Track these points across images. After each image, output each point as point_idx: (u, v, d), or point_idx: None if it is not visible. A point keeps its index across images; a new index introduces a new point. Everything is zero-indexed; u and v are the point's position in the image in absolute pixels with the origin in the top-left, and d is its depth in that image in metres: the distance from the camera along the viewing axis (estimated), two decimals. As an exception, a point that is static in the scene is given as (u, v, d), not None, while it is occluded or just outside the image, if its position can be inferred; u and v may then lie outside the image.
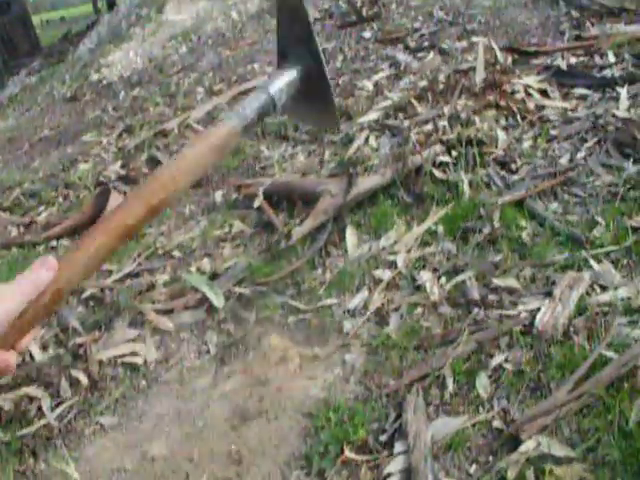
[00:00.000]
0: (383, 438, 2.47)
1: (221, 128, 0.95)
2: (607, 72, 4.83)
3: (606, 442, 2.16)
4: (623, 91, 4.38)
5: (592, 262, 2.95)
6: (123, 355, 3.31)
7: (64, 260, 0.85)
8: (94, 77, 10.08)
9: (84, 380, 3.19)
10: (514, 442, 2.27)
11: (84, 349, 3.35)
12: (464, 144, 4.00)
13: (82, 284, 4.00)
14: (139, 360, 3.28)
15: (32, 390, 3.19)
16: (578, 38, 5.66)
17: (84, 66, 11.01)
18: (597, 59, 5.12)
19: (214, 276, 3.70)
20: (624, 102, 4.26)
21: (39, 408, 3.09)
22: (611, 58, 5.02)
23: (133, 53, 10.60)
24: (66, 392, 3.16)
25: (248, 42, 9.09)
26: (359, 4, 8.56)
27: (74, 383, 3.19)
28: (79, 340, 3.44)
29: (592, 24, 5.90)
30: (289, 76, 1.05)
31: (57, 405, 3.10)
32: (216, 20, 10.84)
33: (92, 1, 35.85)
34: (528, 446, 2.22)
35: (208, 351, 3.23)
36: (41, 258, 0.84)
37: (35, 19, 27.50)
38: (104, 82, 9.72)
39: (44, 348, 3.51)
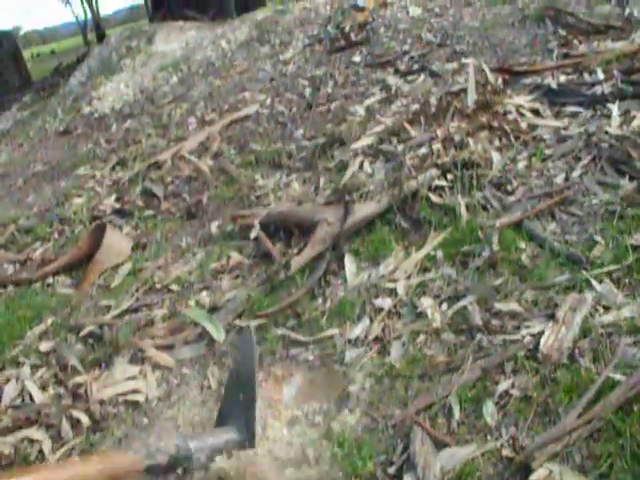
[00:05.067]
0: (391, 470, 2.43)
1: (125, 458, 0.90)
2: (597, 89, 4.85)
3: (619, 468, 2.13)
4: (614, 108, 4.40)
5: (594, 282, 2.93)
6: (124, 393, 3.26)
7: None
8: (86, 110, 10.10)
9: (85, 420, 3.13)
10: (525, 470, 2.23)
11: (84, 388, 3.31)
12: (459, 167, 4.00)
13: (80, 321, 3.97)
14: (140, 398, 3.23)
15: (32, 432, 3.14)
16: (566, 56, 5.71)
17: (75, 99, 11.02)
18: (586, 76, 5.15)
19: (213, 309, 3.67)
20: (616, 119, 4.28)
21: (40, 451, 3.04)
22: (600, 75, 5.05)
23: (124, 85, 10.63)
24: (67, 433, 3.10)
25: (238, 71, 9.14)
26: (348, 29, 8.63)
27: (75, 424, 3.14)
28: (79, 379, 3.40)
29: (580, 42, 5.95)
30: (218, 440, 1.01)
31: (59, 447, 3.04)
32: (206, 49, 10.90)
33: (82, 33, 36.17)
34: (539, 475, 2.19)
35: (210, 386, 3.18)
36: None
37: (25, 53, 27.68)
38: (96, 115, 9.74)
39: (43, 388, 3.47)
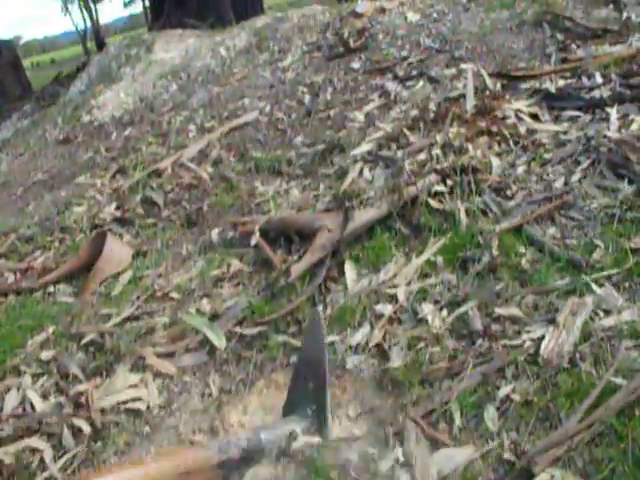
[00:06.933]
0: (389, 474, 2.43)
1: (198, 453, 0.90)
2: (596, 93, 4.86)
3: (620, 472, 2.13)
4: (613, 111, 4.41)
5: (594, 286, 2.94)
6: (125, 401, 3.26)
7: None
8: (86, 119, 10.09)
9: (87, 429, 3.13)
10: (527, 475, 2.23)
11: (85, 397, 3.30)
12: (459, 172, 4.01)
13: (81, 329, 3.97)
14: (142, 406, 3.23)
15: (34, 441, 3.14)
16: (565, 60, 5.72)
17: (75, 108, 11.02)
18: (585, 80, 5.16)
19: (214, 317, 3.67)
20: (614, 122, 4.28)
21: (42, 460, 3.04)
22: (598, 79, 5.06)
23: (124, 93, 10.64)
24: (69, 442, 3.10)
25: (237, 78, 9.14)
26: (346, 35, 8.63)
27: (76, 432, 3.14)
28: (80, 387, 3.40)
29: (577, 46, 5.96)
30: (288, 429, 0.99)
31: (60, 456, 3.05)
32: (205, 57, 10.91)
33: (82, 42, 36.31)
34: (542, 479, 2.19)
35: (211, 394, 3.18)
36: None
37: (26, 62, 27.77)
38: (96, 123, 9.73)
39: (44, 397, 3.47)
